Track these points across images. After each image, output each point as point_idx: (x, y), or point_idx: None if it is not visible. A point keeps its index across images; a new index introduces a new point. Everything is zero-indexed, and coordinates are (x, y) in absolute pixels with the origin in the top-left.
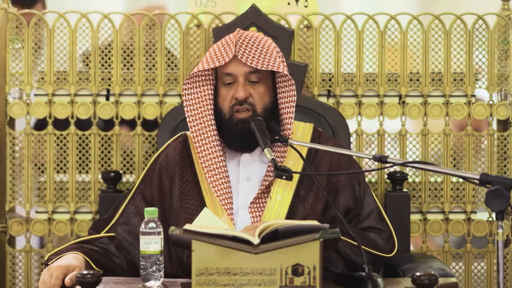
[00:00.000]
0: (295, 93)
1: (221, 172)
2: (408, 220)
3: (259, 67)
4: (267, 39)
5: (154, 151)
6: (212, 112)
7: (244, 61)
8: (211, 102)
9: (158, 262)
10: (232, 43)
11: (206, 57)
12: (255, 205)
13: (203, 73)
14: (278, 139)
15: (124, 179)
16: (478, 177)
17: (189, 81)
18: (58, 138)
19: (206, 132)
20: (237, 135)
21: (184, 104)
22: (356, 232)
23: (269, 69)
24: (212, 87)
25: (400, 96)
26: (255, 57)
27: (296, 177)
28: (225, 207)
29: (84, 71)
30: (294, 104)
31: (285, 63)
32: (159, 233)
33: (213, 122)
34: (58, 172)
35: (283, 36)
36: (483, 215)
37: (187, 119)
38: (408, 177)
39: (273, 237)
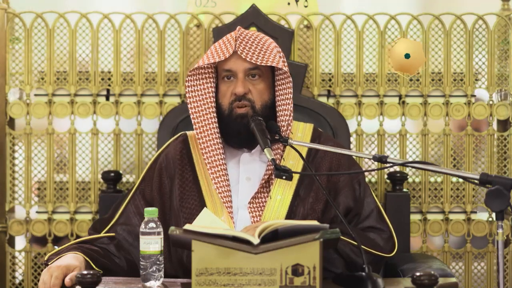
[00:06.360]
0: (292, 90)
1: (222, 169)
2: (408, 220)
3: (258, 63)
4: (268, 38)
5: (154, 150)
6: (214, 110)
7: (244, 57)
8: (213, 98)
9: (158, 262)
10: (232, 40)
11: (207, 54)
12: (254, 205)
13: (205, 70)
14: (278, 139)
15: (124, 179)
16: (478, 177)
17: (191, 78)
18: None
19: (210, 129)
20: (235, 131)
21: (188, 102)
22: (356, 232)
23: (268, 64)
24: (213, 83)
25: (400, 96)
26: (255, 53)
27: (296, 177)
28: (226, 205)
29: (84, 71)
30: (290, 102)
31: (285, 62)
32: (159, 233)
33: (215, 119)
34: (58, 172)
35: (283, 36)
36: (483, 215)
37: (191, 116)
38: (408, 177)
39: (273, 237)
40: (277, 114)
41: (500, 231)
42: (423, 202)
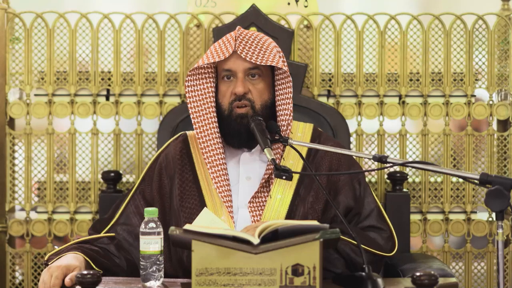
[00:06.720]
0: (292, 90)
1: (222, 169)
2: (408, 220)
3: (258, 62)
4: (268, 38)
5: (154, 150)
6: (214, 109)
7: (243, 57)
8: (213, 98)
9: (158, 262)
10: (232, 39)
11: (207, 53)
12: (254, 204)
13: (205, 70)
14: (278, 139)
15: (124, 179)
16: (478, 177)
17: (191, 78)
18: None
19: (210, 128)
20: (235, 131)
21: (188, 102)
22: (356, 231)
23: (268, 64)
24: (213, 83)
25: (400, 96)
26: (255, 53)
27: (296, 176)
28: (226, 204)
29: (84, 71)
30: (290, 101)
31: (285, 62)
32: (159, 233)
33: (215, 119)
34: (58, 172)
35: (283, 36)
36: (483, 215)
37: (191, 116)
38: (408, 177)
39: (273, 237)
40: (277, 114)
41: (500, 231)
42: (423, 202)
